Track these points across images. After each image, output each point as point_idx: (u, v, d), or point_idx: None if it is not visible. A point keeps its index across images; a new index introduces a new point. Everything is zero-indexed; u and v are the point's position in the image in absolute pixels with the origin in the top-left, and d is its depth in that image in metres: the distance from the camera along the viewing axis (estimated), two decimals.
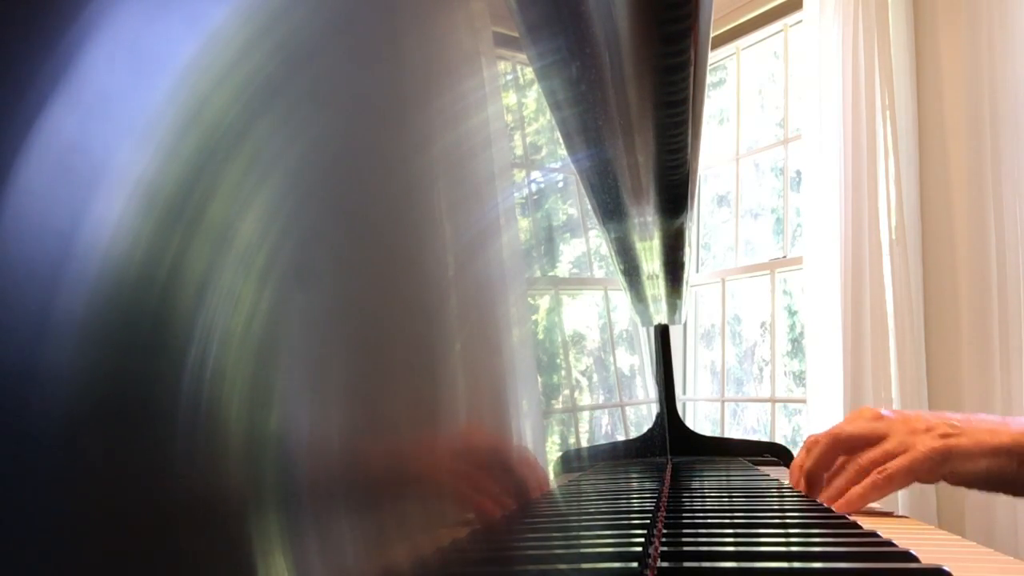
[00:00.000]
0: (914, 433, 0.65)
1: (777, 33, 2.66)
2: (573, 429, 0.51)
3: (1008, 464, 0.62)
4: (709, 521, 0.55)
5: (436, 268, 0.24)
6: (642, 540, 0.39)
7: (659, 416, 1.19)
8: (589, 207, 0.68)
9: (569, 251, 0.62)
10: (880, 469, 0.64)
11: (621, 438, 0.83)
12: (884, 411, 0.72)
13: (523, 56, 0.43)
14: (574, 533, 0.42)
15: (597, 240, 0.76)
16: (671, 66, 0.51)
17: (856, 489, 0.65)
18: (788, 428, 2.61)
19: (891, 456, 0.65)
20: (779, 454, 1.22)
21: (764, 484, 0.80)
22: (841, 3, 2.12)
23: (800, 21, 2.36)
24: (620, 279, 0.92)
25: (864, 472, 0.66)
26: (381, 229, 0.19)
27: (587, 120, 0.54)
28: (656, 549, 0.41)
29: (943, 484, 0.65)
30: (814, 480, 0.72)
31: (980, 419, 0.66)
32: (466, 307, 0.26)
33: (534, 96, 0.47)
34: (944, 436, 0.64)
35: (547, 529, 0.38)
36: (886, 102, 2.02)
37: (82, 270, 0.08)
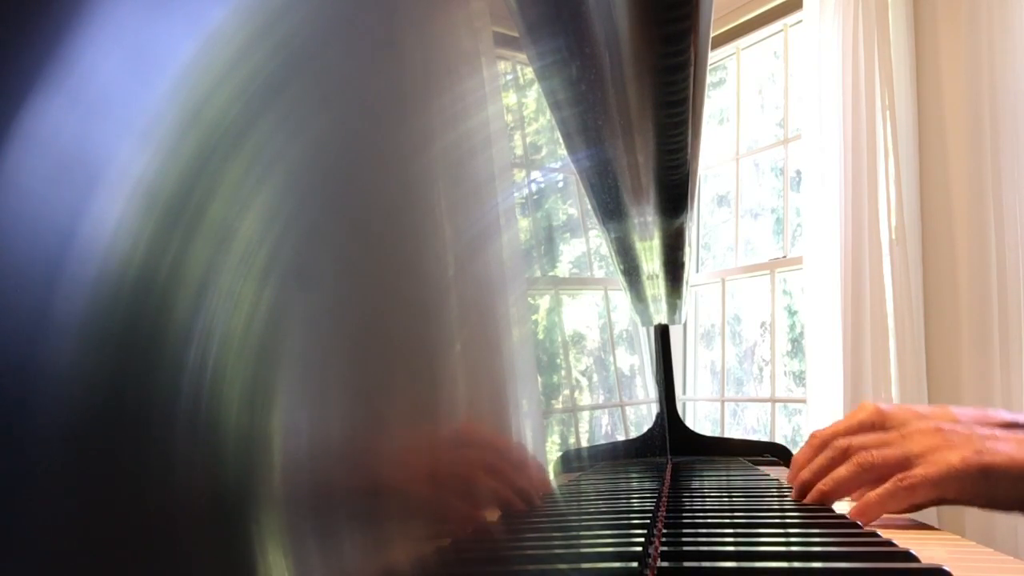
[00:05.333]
0: (942, 447, 0.56)
1: (777, 33, 2.66)
2: (573, 429, 0.51)
3: None
4: (709, 521, 0.55)
5: (436, 268, 0.24)
6: (642, 540, 0.39)
7: (659, 416, 1.19)
8: (589, 207, 0.68)
9: (569, 251, 0.62)
10: (901, 476, 0.56)
11: (621, 438, 0.83)
12: (884, 406, 0.65)
13: (523, 56, 0.43)
14: (574, 533, 0.42)
15: (597, 240, 0.76)
16: (671, 66, 0.51)
17: (871, 496, 0.58)
18: (788, 428, 2.61)
19: (904, 459, 0.58)
20: (779, 454, 1.22)
21: (764, 484, 0.80)
22: (841, 3, 2.12)
23: (800, 21, 2.37)
24: (620, 279, 0.92)
25: (860, 466, 0.60)
26: (381, 229, 0.19)
27: (587, 120, 0.54)
28: (656, 549, 0.41)
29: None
30: (825, 501, 0.64)
31: (1005, 434, 0.57)
32: (466, 307, 0.26)
33: (534, 96, 0.47)
34: (978, 453, 0.55)
35: (547, 529, 0.38)
36: (886, 102, 2.02)
37: (82, 270, 0.08)
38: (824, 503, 0.64)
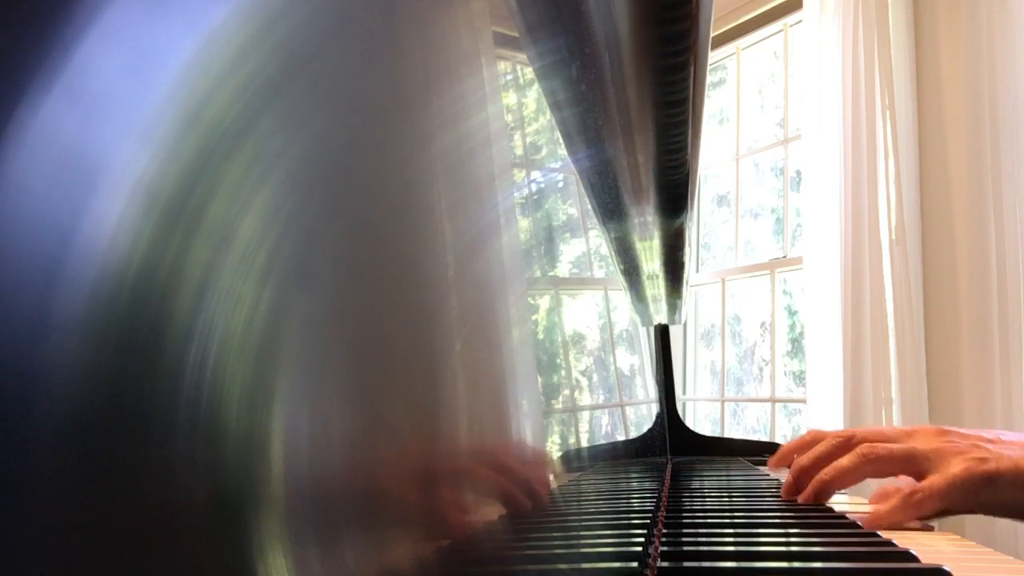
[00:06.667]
0: (946, 453, 0.57)
1: (777, 33, 2.66)
2: (573, 429, 0.51)
3: None
4: (709, 521, 0.55)
5: (436, 268, 0.24)
6: (642, 540, 0.39)
7: (659, 416, 1.19)
8: (589, 207, 0.68)
9: (569, 251, 0.62)
10: (910, 492, 0.56)
11: (621, 438, 0.83)
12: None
13: (523, 56, 0.43)
14: (574, 533, 0.42)
15: (597, 240, 0.76)
16: (671, 66, 0.51)
17: (880, 510, 0.57)
18: (788, 428, 2.61)
19: (909, 454, 0.58)
20: None
21: (764, 484, 0.80)
22: (841, 3, 2.12)
23: (800, 21, 2.37)
24: (620, 279, 0.92)
25: (864, 457, 0.59)
26: (381, 230, 0.19)
27: (587, 120, 0.54)
28: (656, 549, 0.41)
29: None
30: (826, 490, 0.63)
31: (1009, 439, 0.58)
32: (466, 307, 0.26)
33: (534, 96, 0.47)
34: (982, 460, 0.55)
35: (547, 529, 0.38)
36: (886, 102, 2.02)
37: (82, 270, 0.08)
38: (823, 493, 0.63)
